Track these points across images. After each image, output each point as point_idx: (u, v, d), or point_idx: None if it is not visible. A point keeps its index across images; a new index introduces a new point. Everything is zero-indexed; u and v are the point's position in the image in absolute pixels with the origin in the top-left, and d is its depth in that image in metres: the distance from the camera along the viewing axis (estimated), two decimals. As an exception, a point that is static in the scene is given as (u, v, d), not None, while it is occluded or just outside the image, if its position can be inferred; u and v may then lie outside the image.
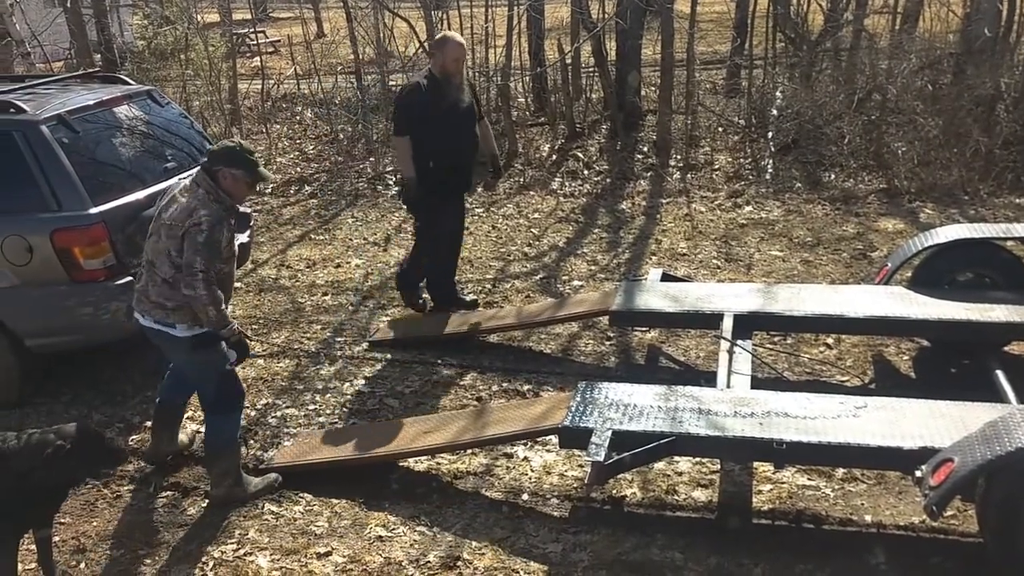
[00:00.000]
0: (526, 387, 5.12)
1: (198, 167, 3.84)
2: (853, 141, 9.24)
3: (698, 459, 4.20)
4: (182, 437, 4.48)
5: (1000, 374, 4.38)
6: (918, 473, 3.39)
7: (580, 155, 9.87)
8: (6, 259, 4.69)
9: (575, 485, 4.16)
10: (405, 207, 5.88)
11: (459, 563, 3.61)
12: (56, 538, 3.73)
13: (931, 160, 8.62)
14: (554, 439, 4.18)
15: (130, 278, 4.81)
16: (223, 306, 3.79)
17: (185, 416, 4.53)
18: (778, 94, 10.29)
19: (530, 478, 4.25)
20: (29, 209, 4.69)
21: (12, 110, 4.79)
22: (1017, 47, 10.03)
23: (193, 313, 3.76)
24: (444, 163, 5.58)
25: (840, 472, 4.12)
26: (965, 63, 9.37)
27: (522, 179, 9.44)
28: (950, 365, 5.17)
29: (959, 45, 9.96)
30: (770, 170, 9.01)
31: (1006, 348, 5.04)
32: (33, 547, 3.59)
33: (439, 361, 5.45)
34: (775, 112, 9.93)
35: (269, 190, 9.71)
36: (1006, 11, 9.65)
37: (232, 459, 4.06)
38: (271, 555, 3.71)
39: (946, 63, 9.98)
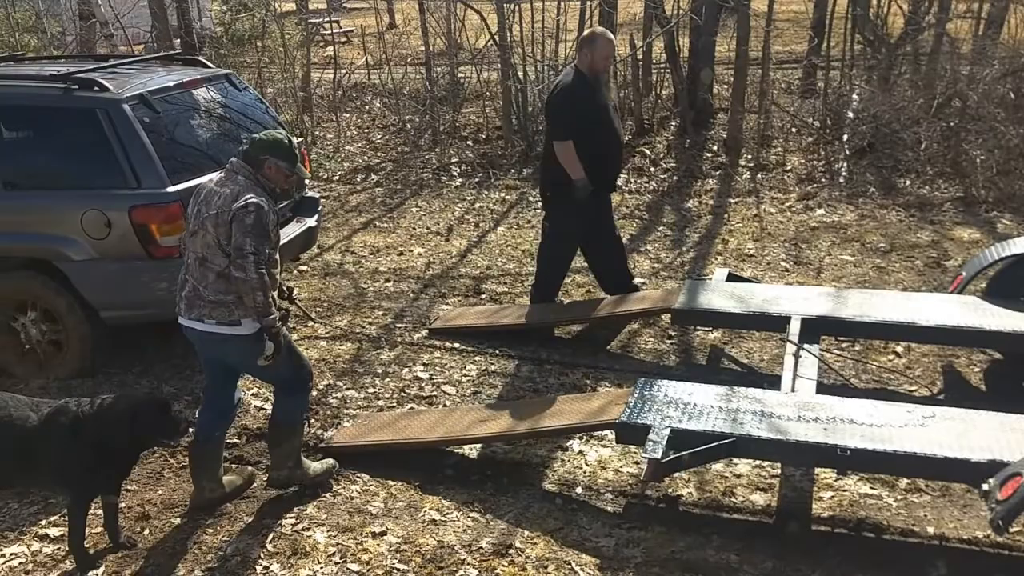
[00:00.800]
0: (584, 381, 5.11)
1: (234, 157, 3.74)
2: (930, 147, 8.99)
3: (758, 462, 4.15)
4: (234, 479, 4.12)
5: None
6: (985, 487, 3.29)
7: (647, 151, 9.79)
8: (85, 232, 4.83)
9: (630, 481, 4.14)
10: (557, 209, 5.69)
11: (511, 551, 3.63)
12: (122, 504, 3.84)
13: (1011, 169, 8.34)
14: (610, 434, 4.17)
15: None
16: (269, 293, 3.62)
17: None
18: (855, 96, 10.05)
19: (584, 472, 4.24)
20: (109, 185, 4.82)
21: (96, 88, 4.92)
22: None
23: (225, 300, 3.66)
24: (598, 162, 5.42)
25: (904, 482, 4.03)
26: (1052, 71, 9.04)
27: (587, 174, 9.39)
28: (1022, 379, 5.00)
29: (1046, 52, 9.61)
30: (844, 173, 8.82)
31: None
32: (100, 512, 3.72)
33: (497, 352, 5.48)
34: (851, 115, 9.71)
35: (337, 177, 9.86)
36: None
37: (294, 441, 4.05)
38: (328, 531, 3.78)
39: (1031, 70, 9.63)
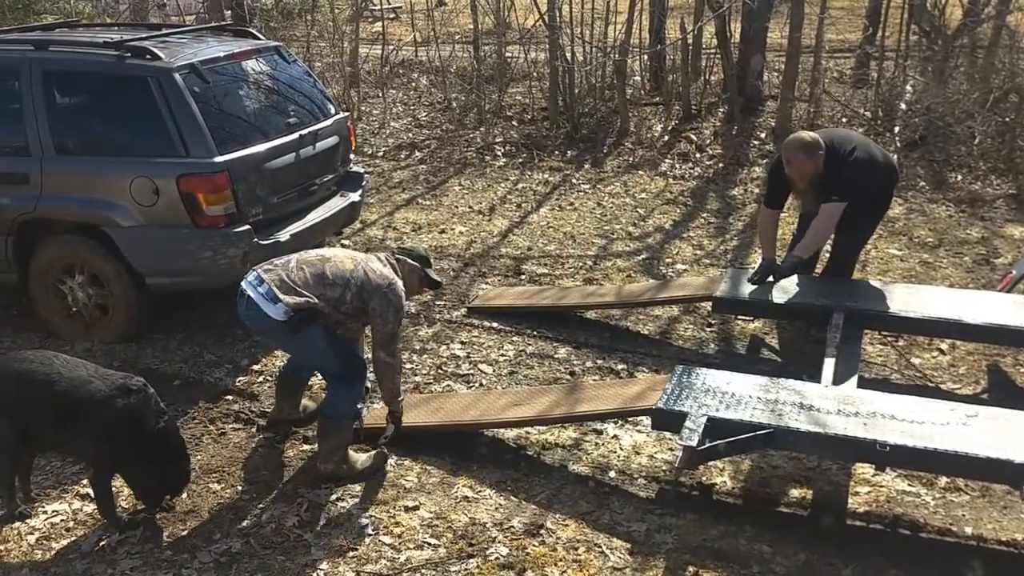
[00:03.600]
0: (620, 366, 5.09)
1: (391, 255, 4.10)
2: (984, 142, 8.78)
3: (793, 454, 4.10)
4: (306, 402, 4.45)
5: None
6: (1028, 489, 3.23)
7: (693, 137, 9.68)
8: (134, 199, 4.89)
9: (664, 468, 4.12)
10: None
11: (542, 531, 3.64)
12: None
13: (1069, 168, 8.13)
14: (646, 420, 4.15)
15: (248, 227, 4.99)
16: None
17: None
18: (908, 88, 9.83)
19: (618, 456, 4.23)
20: (158, 153, 4.88)
21: (148, 56, 4.97)
22: None
23: (299, 297, 3.76)
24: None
25: (943, 481, 3.97)
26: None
27: (631, 158, 9.34)
28: (1073, 383, 4.89)
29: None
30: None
31: None
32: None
33: (535, 333, 5.47)
34: (903, 106, 9.50)
35: (381, 153, 9.90)
36: None
37: (344, 435, 3.98)
38: (361, 503, 3.82)
39: (1095, 66, 9.33)
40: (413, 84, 12.62)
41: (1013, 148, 8.53)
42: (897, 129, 9.20)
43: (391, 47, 13.04)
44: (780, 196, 5.17)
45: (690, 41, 10.40)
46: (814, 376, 4.35)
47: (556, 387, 4.61)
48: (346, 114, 6.29)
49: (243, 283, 3.89)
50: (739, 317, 5.61)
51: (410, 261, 4.10)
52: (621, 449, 4.28)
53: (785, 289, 5.07)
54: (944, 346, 5.23)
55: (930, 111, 9.13)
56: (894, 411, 3.68)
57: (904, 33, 10.20)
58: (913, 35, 10.42)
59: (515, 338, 5.44)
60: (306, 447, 4.27)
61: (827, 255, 5.46)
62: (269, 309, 3.76)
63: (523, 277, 6.47)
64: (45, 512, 3.82)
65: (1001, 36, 9.87)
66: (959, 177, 8.40)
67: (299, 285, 3.80)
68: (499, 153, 9.75)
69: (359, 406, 4.17)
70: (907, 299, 4.89)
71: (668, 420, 3.81)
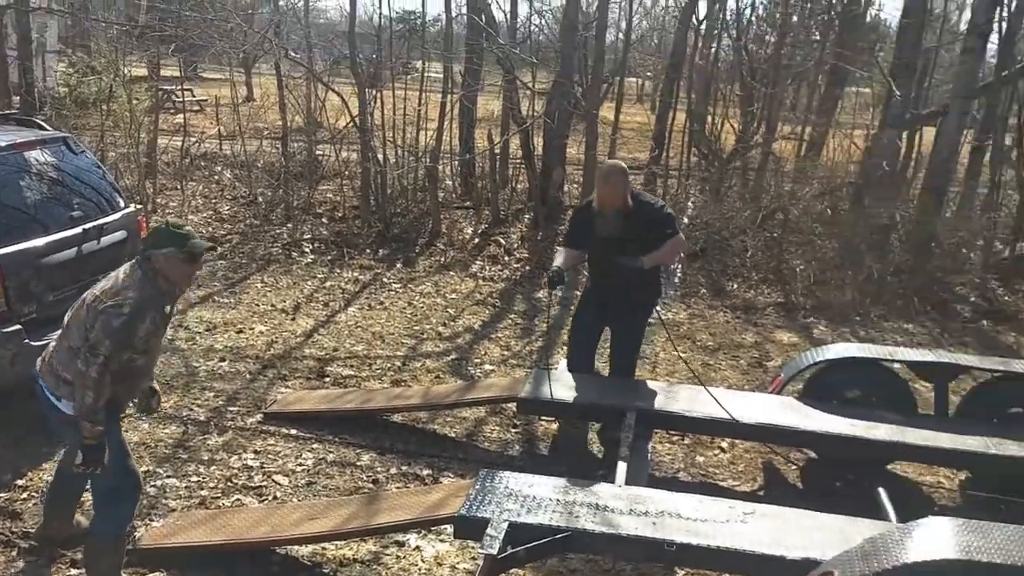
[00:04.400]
0: (426, 472, 5.03)
1: (136, 259, 3.58)
2: (755, 255, 9.67)
3: (591, 556, 4.18)
4: (79, 518, 4.06)
5: (882, 491, 4.47)
6: (801, 583, 3.44)
7: (502, 241, 10.03)
8: None
9: (466, 577, 4.08)
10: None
11: (338, 652, 3.47)
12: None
13: (827, 280, 9.06)
14: (451, 528, 4.10)
15: (19, 326, 4.62)
16: (102, 401, 3.42)
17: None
18: (689, 204, 10.75)
19: (420, 569, 4.13)
20: (-79, 246, 4.48)
21: (-82, 145, 4.62)
22: (913, 182, 10.77)
23: (68, 385, 3.48)
24: (595, 278, 5.64)
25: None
26: (863, 193, 9.99)
27: (443, 259, 9.52)
28: (836, 479, 5.31)
29: (859, 175, 10.63)
30: (679, 275, 9.31)
31: (889, 467, 5.24)
32: None
33: (337, 439, 5.32)
34: (686, 220, 10.33)
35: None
36: (904, 148, 10.37)
37: (115, 558, 3.66)
38: (138, 632, 3.50)
39: (846, 191, 10.61)
40: (216, 177, 12.31)
41: (780, 261, 9.45)
42: (681, 241, 9.96)
43: (193, 139, 12.71)
44: (581, 236, 5.43)
45: (498, 151, 10.88)
46: (609, 475, 4.50)
47: (356, 498, 4.48)
48: (137, 207, 6.04)
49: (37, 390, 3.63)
50: (542, 417, 5.74)
51: (158, 253, 3.51)
52: (423, 561, 4.19)
53: (584, 390, 5.26)
54: (725, 444, 5.58)
55: (708, 226, 10.00)
56: (680, 509, 3.85)
57: (686, 155, 11.20)
58: (694, 157, 11.46)
59: (315, 445, 5.26)
60: (73, 572, 3.87)
61: (609, 353, 5.68)
62: (58, 403, 3.54)
63: (327, 380, 6.32)
64: None
65: (768, 161, 11.06)
66: (735, 286, 9.17)
67: (61, 369, 3.52)
68: (307, 250, 9.63)
69: (133, 525, 3.85)
70: (691, 400, 5.19)
71: (470, 528, 3.78)
